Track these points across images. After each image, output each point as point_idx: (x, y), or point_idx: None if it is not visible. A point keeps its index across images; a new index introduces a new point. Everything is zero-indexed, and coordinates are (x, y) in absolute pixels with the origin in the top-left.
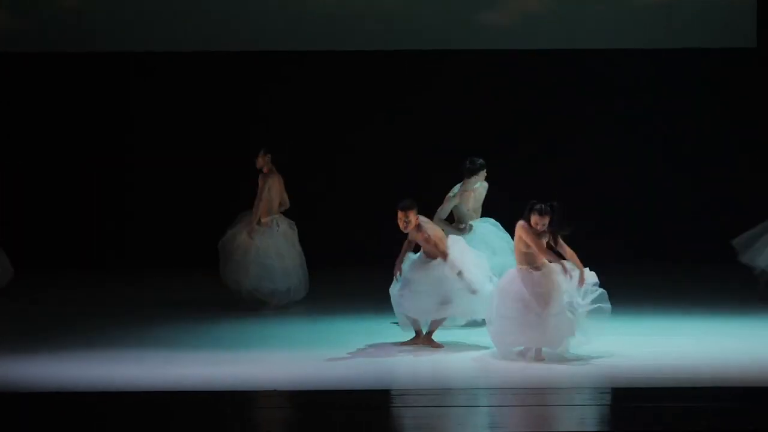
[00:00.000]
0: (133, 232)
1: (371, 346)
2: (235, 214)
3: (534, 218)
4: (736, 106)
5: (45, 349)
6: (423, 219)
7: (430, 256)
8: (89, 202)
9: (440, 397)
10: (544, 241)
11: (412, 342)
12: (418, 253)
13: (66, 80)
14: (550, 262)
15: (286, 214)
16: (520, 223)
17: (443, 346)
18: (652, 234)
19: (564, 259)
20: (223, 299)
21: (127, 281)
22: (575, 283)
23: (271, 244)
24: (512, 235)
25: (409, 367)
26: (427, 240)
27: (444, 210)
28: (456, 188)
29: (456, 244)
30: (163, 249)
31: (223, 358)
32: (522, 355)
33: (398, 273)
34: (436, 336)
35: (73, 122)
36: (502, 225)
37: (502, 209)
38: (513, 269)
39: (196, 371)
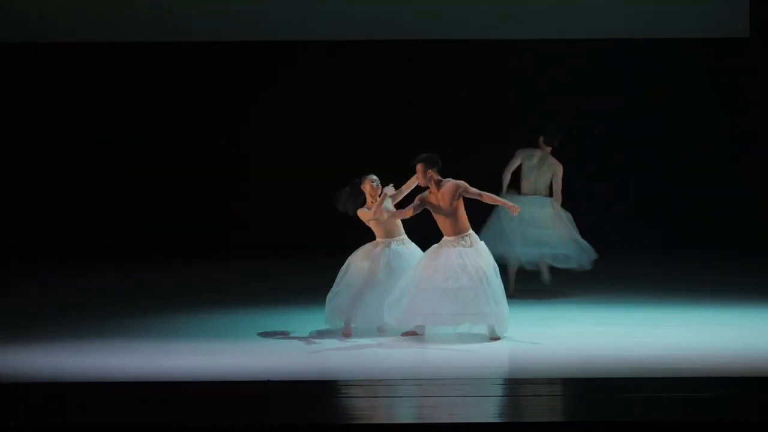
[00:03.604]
0: (123, 223)
1: (365, 336)
2: (228, 204)
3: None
4: (729, 95)
5: (36, 340)
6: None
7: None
8: (78, 192)
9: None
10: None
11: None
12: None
13: (55, 71)
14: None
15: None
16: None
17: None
18: (643, 224)
19: None
20: (215, 289)
21: (118, 272)
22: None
23: None
24: None
25: (408, 356)
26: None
27: None
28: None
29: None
30: (154, 239)
31: (216, 348)
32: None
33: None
34: None
35: (62, 113)
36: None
37: None
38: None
39: (189, 361)
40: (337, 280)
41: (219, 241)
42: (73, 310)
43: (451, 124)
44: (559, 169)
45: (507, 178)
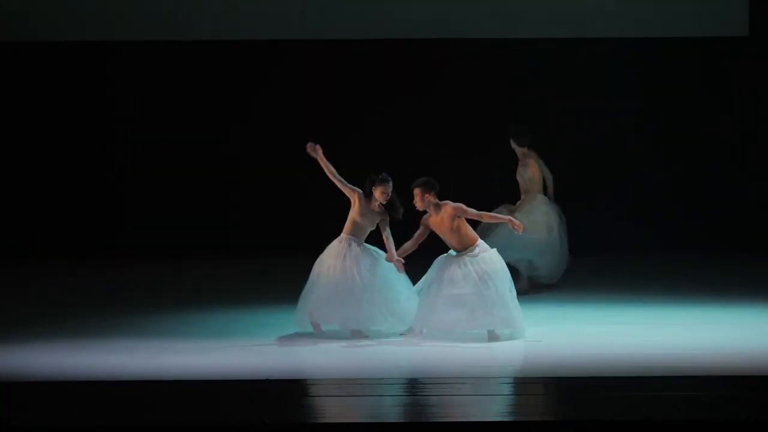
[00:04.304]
0: (123, 223)
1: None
2: (226, 202)
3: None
4: (728, 94)
5: (36, 340)
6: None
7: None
8: (78, 192)
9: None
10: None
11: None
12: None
13: (54, 70)
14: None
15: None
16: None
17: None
18: (643, 224)
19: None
20: (214, 288)
21: (117, 271)
22: None
23: None
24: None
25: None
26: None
27: None
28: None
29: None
30: (154, 239)
31: (216, 347)
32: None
33: None
34: None
35: (62, 113)
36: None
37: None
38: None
39: (188, 360)
40: (309, 279)
41: (219, 240)
42: (73, 310)
43: (450, 124)
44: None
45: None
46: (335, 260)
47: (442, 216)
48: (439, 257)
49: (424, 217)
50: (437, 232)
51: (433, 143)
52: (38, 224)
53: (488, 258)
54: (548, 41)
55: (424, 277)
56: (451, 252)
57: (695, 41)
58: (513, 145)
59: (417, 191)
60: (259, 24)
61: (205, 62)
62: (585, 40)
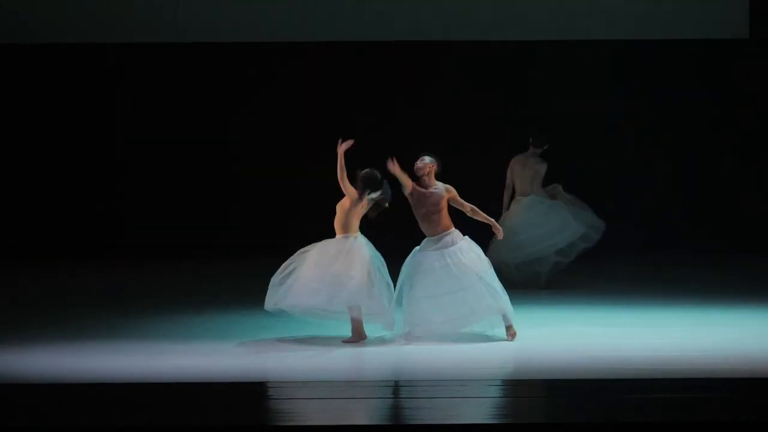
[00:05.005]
0: (123, 223)
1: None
2: (226, 202)
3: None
4: (728, 96)
5: (36, 340)
6: None
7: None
8: (78, 192)
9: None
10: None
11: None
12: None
13: (55, 71)
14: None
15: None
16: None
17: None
18: (642, 225)
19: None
20: (214, 288)
21: (117, 271)
22: None
23: None
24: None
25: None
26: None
27: None
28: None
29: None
30: (154, 239)
31: (216, 348)
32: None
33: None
34: None
35: (62, 113)
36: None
37: None
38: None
39: (188, 361)
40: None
41: (219, 240)
42: (73, 310)
43: (450, 125)
44: (541, 168)
45: (507, 196)
46: (325, 246)
47: (434, 193)
48: (412, 253)
49: (413, 183)
50: (418, 205)
51: (432, 144)
52: (38, 224)
53: (465, 247)
54: (548, 43)
55: (400, 277)
56: (423, 245)
57: (695, 43)
58: (530, 145)
59: (431, 161)
60: (258, 26)
61: (205, 64)
62: (585, 41)
